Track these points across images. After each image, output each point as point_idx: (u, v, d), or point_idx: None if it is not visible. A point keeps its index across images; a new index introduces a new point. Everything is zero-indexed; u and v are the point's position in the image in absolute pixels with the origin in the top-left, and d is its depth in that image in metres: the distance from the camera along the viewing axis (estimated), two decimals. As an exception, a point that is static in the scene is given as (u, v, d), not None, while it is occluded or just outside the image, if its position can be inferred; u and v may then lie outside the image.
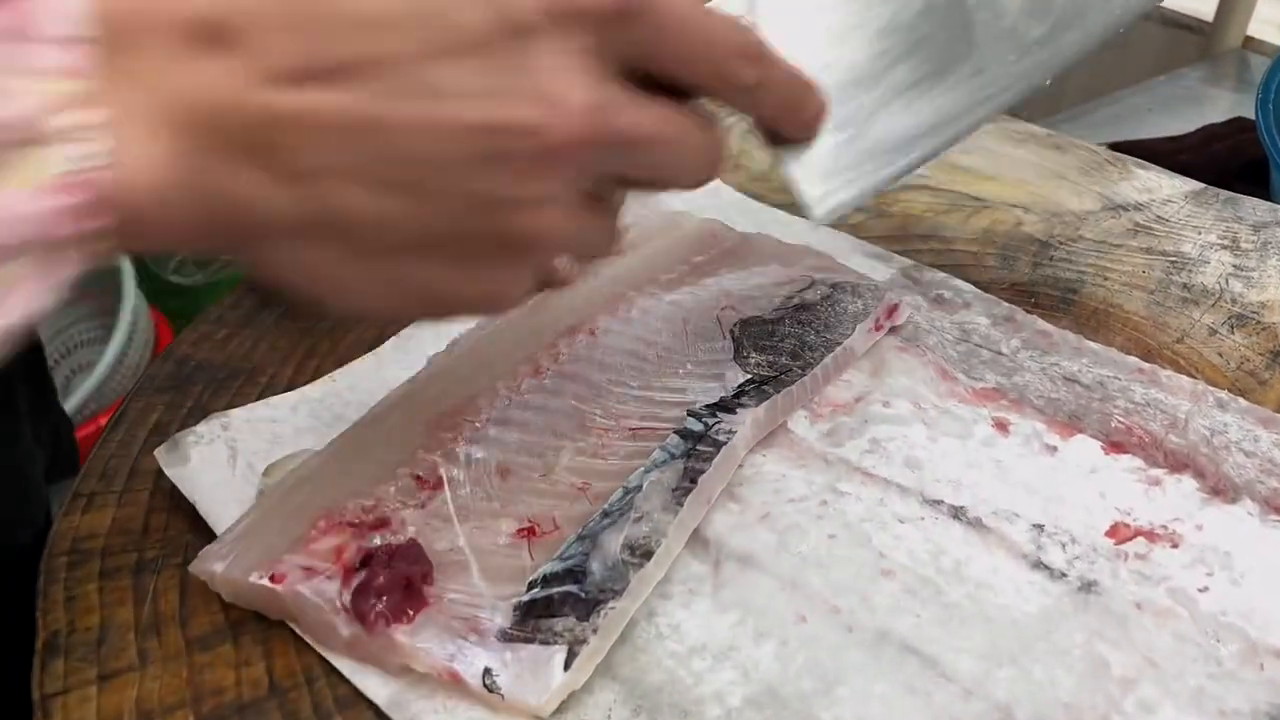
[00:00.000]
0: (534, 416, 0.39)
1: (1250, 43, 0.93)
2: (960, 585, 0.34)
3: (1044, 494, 0.37)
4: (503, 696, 0.31)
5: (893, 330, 0.43)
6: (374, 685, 0.32)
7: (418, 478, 0.36)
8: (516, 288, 0.29)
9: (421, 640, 0.31)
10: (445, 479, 0.36)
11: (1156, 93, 0.89)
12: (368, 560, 0.33)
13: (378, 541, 0.34)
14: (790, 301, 0.43)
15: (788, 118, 0.33)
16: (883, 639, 0.33)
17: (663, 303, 0.44)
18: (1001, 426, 0.40)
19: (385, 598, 0.32)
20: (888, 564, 0.35)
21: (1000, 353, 0.43)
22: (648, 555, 0.33)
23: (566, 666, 0.31)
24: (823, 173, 0.34)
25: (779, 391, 0.39)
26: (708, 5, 0.33)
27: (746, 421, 0.38)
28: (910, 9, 0.35)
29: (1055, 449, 0.39)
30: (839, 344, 0.41)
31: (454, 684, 0.31)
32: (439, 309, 0.30)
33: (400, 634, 0.31)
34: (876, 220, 0.51)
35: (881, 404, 0.41)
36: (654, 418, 0.39)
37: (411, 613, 0.32)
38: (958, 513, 0.37)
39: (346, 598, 0.32)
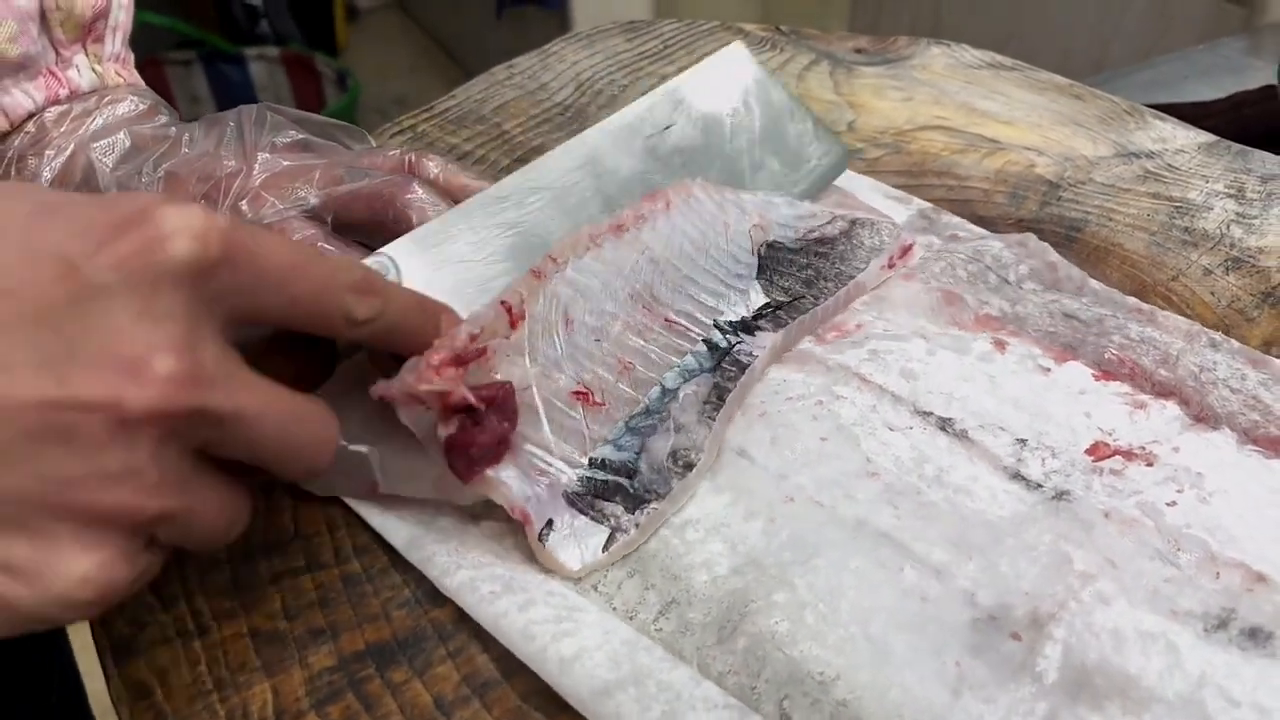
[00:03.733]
0: (602, 273, 0.39)
1: (1293, 16, 0.93)
2: (939, 489, 0.37)
3: (1031, 410, 0.39)
4: (545, 548, 0.34)
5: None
6: (392, 528, 0.35)
7: (508, 308, 0.35)
8: (115, 570, 0.26)
9: (506, 476, 0.34)
10: (526, 314, 0.36)
11: (1195, 61, 0.89)
12: (468, 409, 0.33)
13: (477, 379, 0.34)
14: (812, 234, 0.45)
15: (417, 346, 0.32)
16: (861, 526, 0.35)
17: (715, 201, 0.44)
18: (999, 345, 0.42)
19: (480, 449, 0.33)
20: (873, 467, 0.37)
21: (1006, 280, 0.44)
22: (689, 466, 0.36)
23: (605, 548, 0.34)
24: None
25: (793, 319, 0.41)
26: (319, 245, 0.34)
27: (766, 345, 0.40)
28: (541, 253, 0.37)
29: (1048, 370, 0.41)
30: (851, 277, 0.43)
31: (520, 521, 0.34)
32: (19, 612, 0.25)
33: (489, 471, 0.33)
34: (894, 156, 0.53)
35: (883, 329, 0.43)
36: (687, 316, 0.41)
37: (503, 448, 0.34)
38: (945, 424, 0.39)
39: (443, 434, 0.32)
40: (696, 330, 0.41)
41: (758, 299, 0.42)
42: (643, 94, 0.57)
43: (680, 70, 0.58)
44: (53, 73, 0.43)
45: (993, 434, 0.38)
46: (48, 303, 0.24)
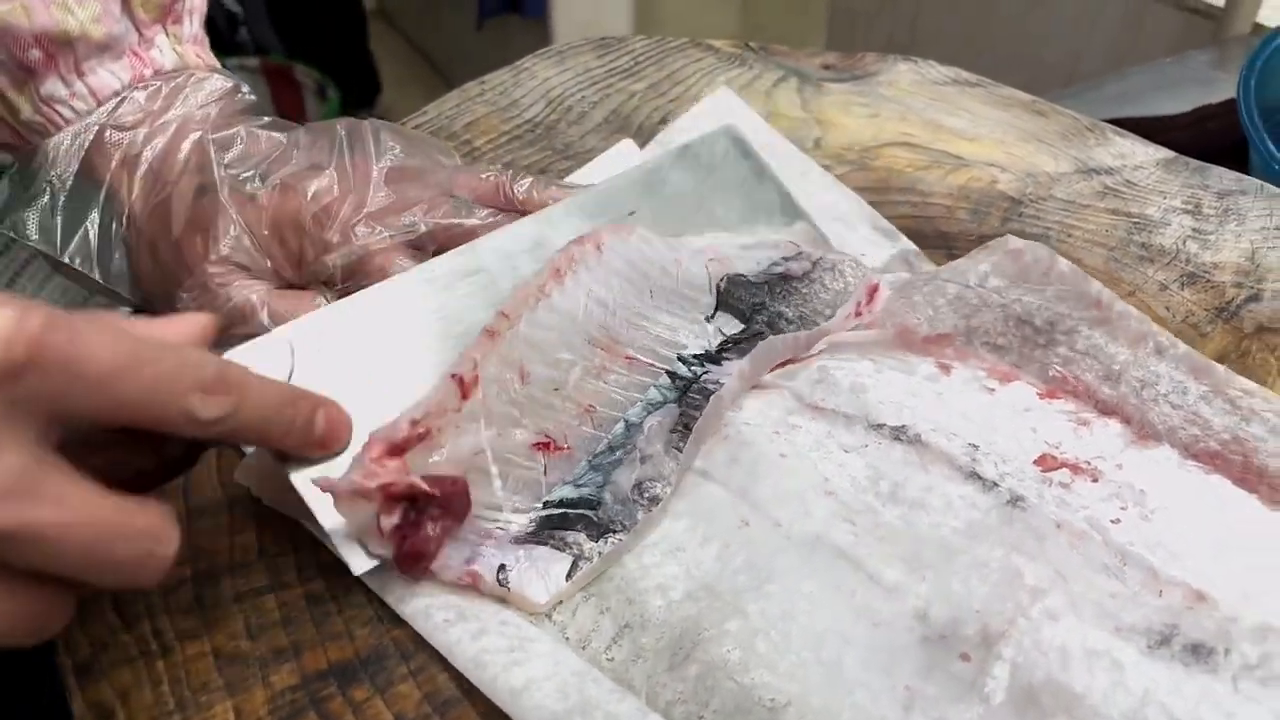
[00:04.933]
0: (556, 324, 0.38)
1: (1259, 29, 0.94)
2: (895, 506, 0.37)
3: (979, 423, 0.40)
4: (509, 590, 0.34)
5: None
6: (351, 552, 0.35)
7: (459, 380, 0.35)
8: None
9: (444, 560, 0.34)
10: (480, 379, 0.35)
11: (1163, 74, 0.90)
12: (413, 501, 0.33)
13: (426, 459, 0.33)
14: (776, 268, 0.44)
15: (287, 443, 0.32)
16: (817, 544, 0.36)
17: (664, 242, 0.43)
18: (944, 369, 0.42)
19: (424, 547, 0.33)
20: (830, 486, 0.38)
21: (967, 284, 0.44)
22: (654, 500, 0.36)
23: (569, 576, 0.34)
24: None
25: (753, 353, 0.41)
26: (176, 321, 0.31)
27: (733, 373, 0.40)
28: (460, 342, 0.36)
29: (993, 390, 0.41)
30: (815, 322, 0.43)
31: (471, 584, 0.34)
32: None
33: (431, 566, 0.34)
34: (859, 173, 0.53)
35: (829, 355, 0.43)
36: (649, 351, 0.40)
37: (441, 546, 0.33)
38: (899, 433, 0.39)
39: (387, 525, 0.33)
40: (659, 364, 0.40)
41: (718, 334, 0.42)
42: (612, 111, 0.57)
43: (649, 86, 0.59)
44: (136, 53, 0.44)
45: (945, 438, 0.39)
46: None
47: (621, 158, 0.53)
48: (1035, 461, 0.38)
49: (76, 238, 0.42)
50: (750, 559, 0.35)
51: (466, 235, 0.40)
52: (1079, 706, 0.30)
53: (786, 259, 0.44)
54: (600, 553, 0.35)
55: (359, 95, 2.01)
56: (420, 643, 0.33)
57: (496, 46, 2.12)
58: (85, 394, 0.26)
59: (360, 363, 0.36)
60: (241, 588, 0.35)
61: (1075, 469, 0.38)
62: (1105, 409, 0.41)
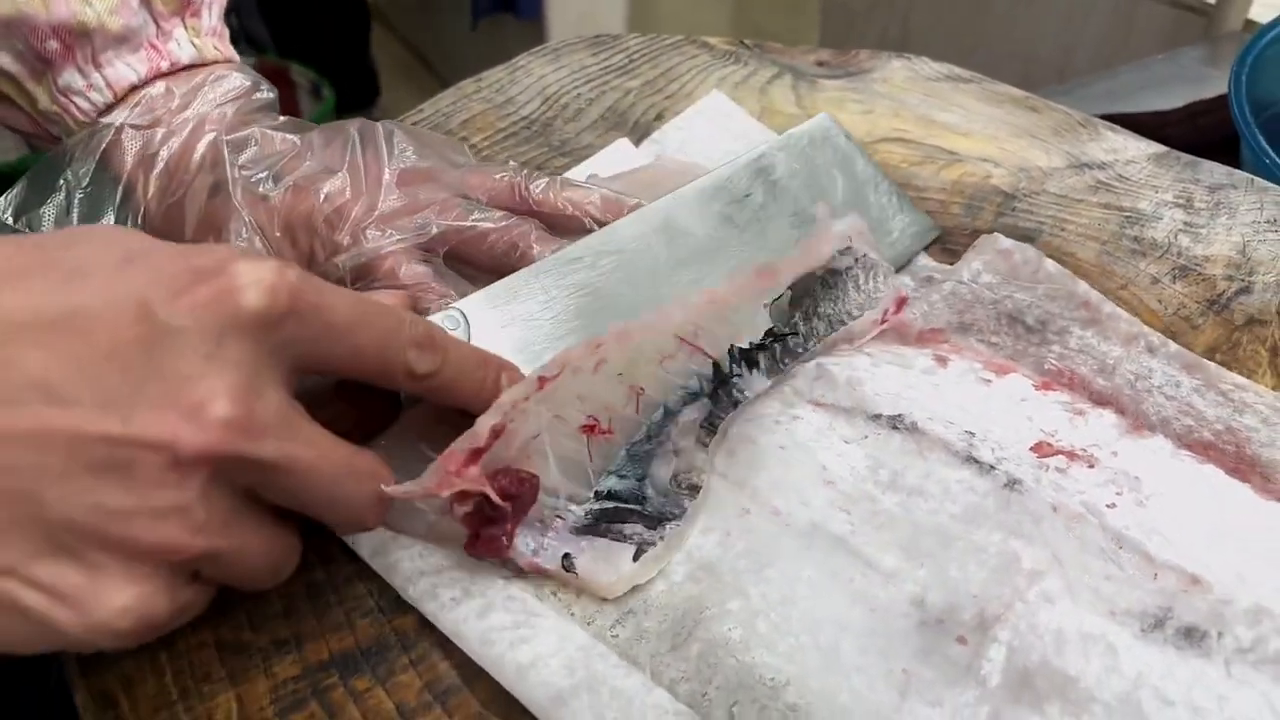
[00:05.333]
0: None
1: (1250, 26, 0.94)
2: (894, 494, 0.37)
3: (976, 413, 0.40)
4: (578, 575, 0.34)
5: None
6: (361, 537, 0.35)
7: (542, 380, 0.34)
8: (156, 603, 0.27)
9: (517, 545, 0.34)
10: (561, 377, 0.35)
11: (1155, 71, 0.91)
12: (487, 500, 0.33)
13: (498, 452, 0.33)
14: (829, 262, 0.43)
15: (477, 401, 0.33)
16: (815, 532, 0.36)
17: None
18: (941, 360, 0.43)
19: (497, 541, 0.34)
20: (829, 475, 0.38)
21: (961, 281, 0.45)
22: (694, 488, 0.37)
23: (635, 558, 0.35)
24: None
25: (783, 363, 0.42)
26: (379, 295, 0.35)
27: (756, 389, 0.41)
28: (610, 315, 0.39)
29: (989, 381, 0.42)
30: (842, 322, 0.43)
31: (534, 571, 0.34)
32: (62, 635, 0.26)
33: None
34: (853, 168, 0.54)
35: (824, 352, 0.43)
36: (709, 335, 0.39)
37: (513, 539, 0.34)
38: (896, 422, 0.40)
39: (460, 512, 0.33)
40: (711, 353, 0.40)
41: (764, 323, 0.41)
42: (607, 108, 0.58)
43: (644, 83, 0.59)
44: (154, 45, 0.44)
45: (943, 425, 0.39)
46: (121, 343, 0.25)
47: (617, 155, 0.54)
48: (1032, 449, 0.39)
49: None
50: (751, 546, 0.36)
51: (478, 238, 0.41)
52: (1073, 689, 0.31)
53: (841, 252, 0.44)
54: (661, 538, 0.35)
55: (357, 98, 2.01)
56: (421, 632, 0.34)
57: (492, 46, 2.12)
58: (330, 342, 0.29)
59: (518, 335, 0.38)
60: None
61: (1071, 455, 0.39)
62: (1100, 400, 0.41)
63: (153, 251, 0.27)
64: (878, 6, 1.27)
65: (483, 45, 2.13)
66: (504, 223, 0.41)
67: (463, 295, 0.39)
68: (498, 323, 0.38)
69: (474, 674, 0.32)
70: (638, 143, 0.55)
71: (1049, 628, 0.32)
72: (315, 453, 0.28)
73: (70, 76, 0.42)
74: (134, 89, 0.43)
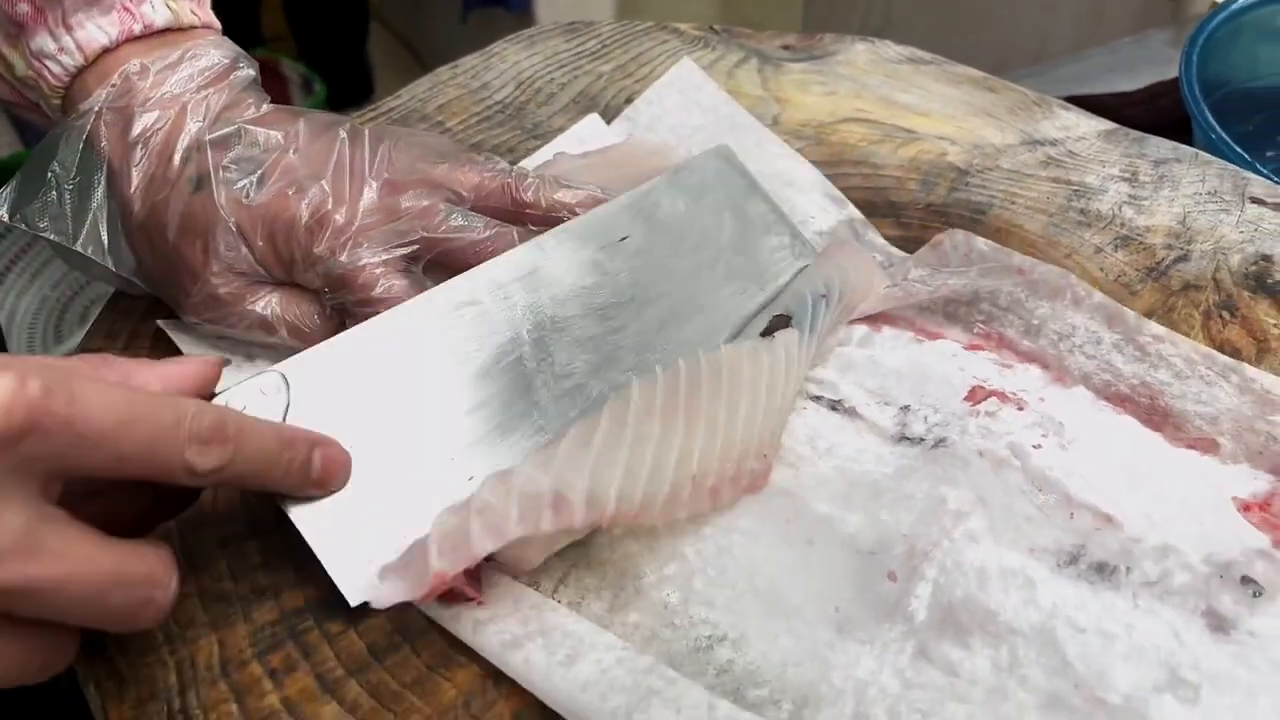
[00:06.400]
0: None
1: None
2: (830, 459, 0.39)
3: (911, 376, 0.42)
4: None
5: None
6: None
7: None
8: None
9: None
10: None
11: (1122, 53, 0.93)
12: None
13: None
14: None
15: (284, 485, 0.33)
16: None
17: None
18: (875, 326, 0.44)
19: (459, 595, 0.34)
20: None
21: (892, 284, 0.46)
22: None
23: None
24: (346, 536, 0.34)
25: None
26: (171, 368, 0.32)
27: None
28: (468, 379, 0.37)
29: (921, 343, 0.44)
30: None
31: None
32: None
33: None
34: (815, 147, 0.56)
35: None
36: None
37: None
38: (835, 405, 0.42)
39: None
40: None
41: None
42: (579, 92, 0.60)
43: (616, 68, 0.61)
44: (126, 8, 0.42)
45: (879, 408, 0.41)
46: None
47: (588, 131, 0.56)
48: (966, 397, 0.41)
49: (86, 227, 0.42)
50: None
51: (460, 248, 0.41)
52: (993, 623, 0.33)
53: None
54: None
55: (351, 93, 2.03)
56: (392, 581, 0.36)
57: (482, 39, 2.14)
58: (85, 452, 0.27)
59: (361, 395, 0.36)
60: (225, 534, 0.38)
61: (1003, 397, 0.41)
62: (1026, 358, 0.43)
63: None
64: (857, -5, 1.29)
65: (473, 38, 2.14)
66: (486, 232, 0.41)
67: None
68: (327, 386, 0.35)
69: (438, 620, 0.34)
70: (609, 122, 0.57)
71: (973, 564, 0.35)
72: (67, 568, 0.27)
73: (42, 40, 0.42)
74: (106, 51, 0.42)
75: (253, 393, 0.34)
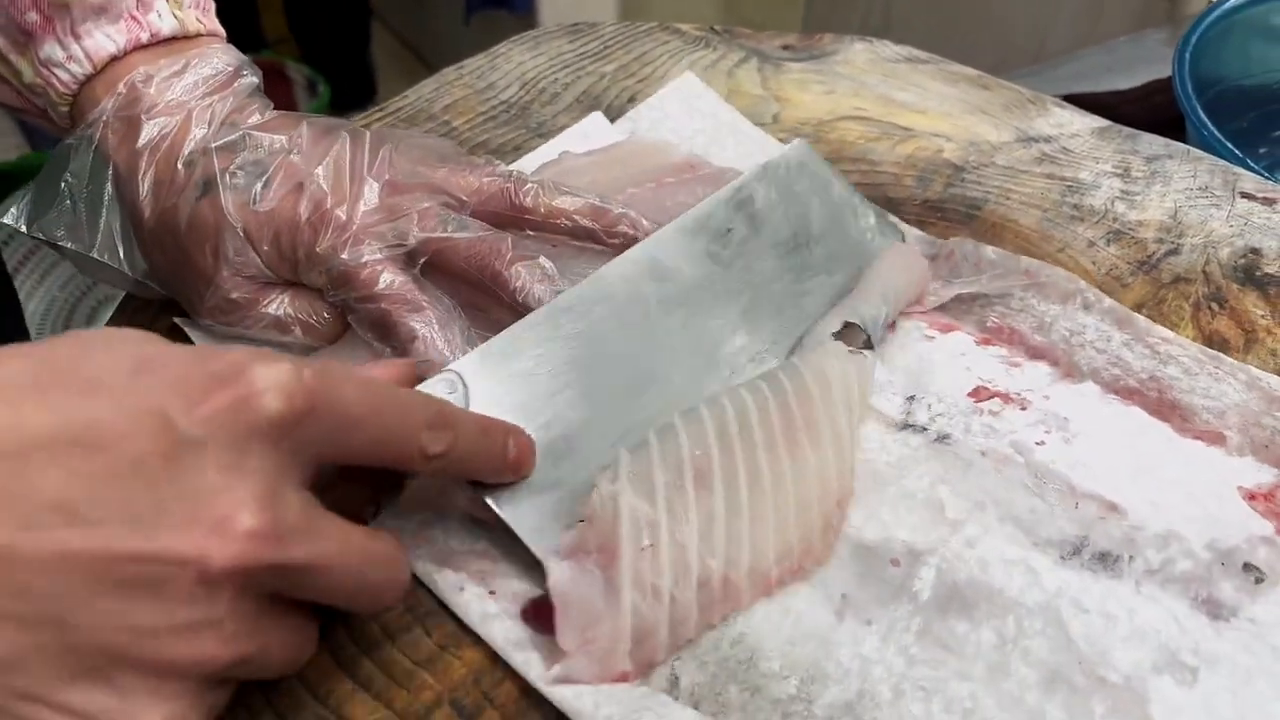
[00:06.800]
0: None
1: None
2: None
3: (918, 371, 0.43)
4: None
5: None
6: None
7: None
8: (187, 717, 0.27)
9: None
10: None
11: (1120, 52, 0.94)
12: None
13: None
14: None
15: (487, 471, 0.34)
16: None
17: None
18: (890, 325, 0.46)
19: None
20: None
21: None
22: None
23: None
24: (537, 518, 0.36)
25: None
26: (382, 368, 0.35)
27: None
28: (614, 366, 0.39)
29: (932, 339, 0.45)
30: None
31: None
32: None
33: None
34: (815, 145, 0.57)
35: None
36: None
37: None
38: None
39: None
40: None
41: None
42: (583, 91, 0.61)
43: (618, 68, 0.63)
44: (133, 16, 0.43)
45: (885, 398, 0.42)
46: (142, 458, 0.25)
47: (592, 128, 0.57)
48: (969, 394, 0.42)
49: (100, 234, 0.43)
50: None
51: (454, 250, 0.41)
52: (999, 597, 0.34)
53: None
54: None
55: (355, 95, 2.04)
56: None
57: (485, 41, 2.15)
58: (347, 436, 0.29)
59: (518, 393, 0.38)
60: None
61: (1006, 398, 0.42)
62: (1036, 354, 0.44)
63: (167, 357, 0.27)
64: (857, -5, 1.30)
65: (476, 39, 2.15)
66: (480, 235, 0.41)
67: (456, 352, 0.39)
68: (496, 382, 0.38)
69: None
70: (612, 122, 0.58)
71: (975, 556, 0.36)
72: (337, 547, 0.28)
73: (51, 48, 0.42)
74: (114, 60, 0.43)
75: (440, 390, 0.36)
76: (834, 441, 0.38)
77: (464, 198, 0.43)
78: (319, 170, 0.42)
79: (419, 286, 0.40)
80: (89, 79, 0.43)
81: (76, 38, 0.42)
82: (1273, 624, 0.34)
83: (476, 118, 0.59)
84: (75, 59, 0.43)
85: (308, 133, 0.43)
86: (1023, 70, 0.96)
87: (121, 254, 0.43)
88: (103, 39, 0.43)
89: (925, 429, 0.41)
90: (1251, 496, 0.38)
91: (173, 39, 0.44)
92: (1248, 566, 0.36)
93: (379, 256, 0.40)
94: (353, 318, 0.41)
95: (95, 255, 0.43)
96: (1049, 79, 0.90)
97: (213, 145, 0.42)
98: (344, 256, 0.40)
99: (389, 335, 0.40)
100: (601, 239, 0.43)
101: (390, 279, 0.40)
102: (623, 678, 0.33)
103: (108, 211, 0.43)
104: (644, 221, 0.44)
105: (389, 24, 2.47)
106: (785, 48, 0.65)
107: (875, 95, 0.61)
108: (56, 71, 0.43)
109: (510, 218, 0.43)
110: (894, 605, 0.35)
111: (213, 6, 0.47)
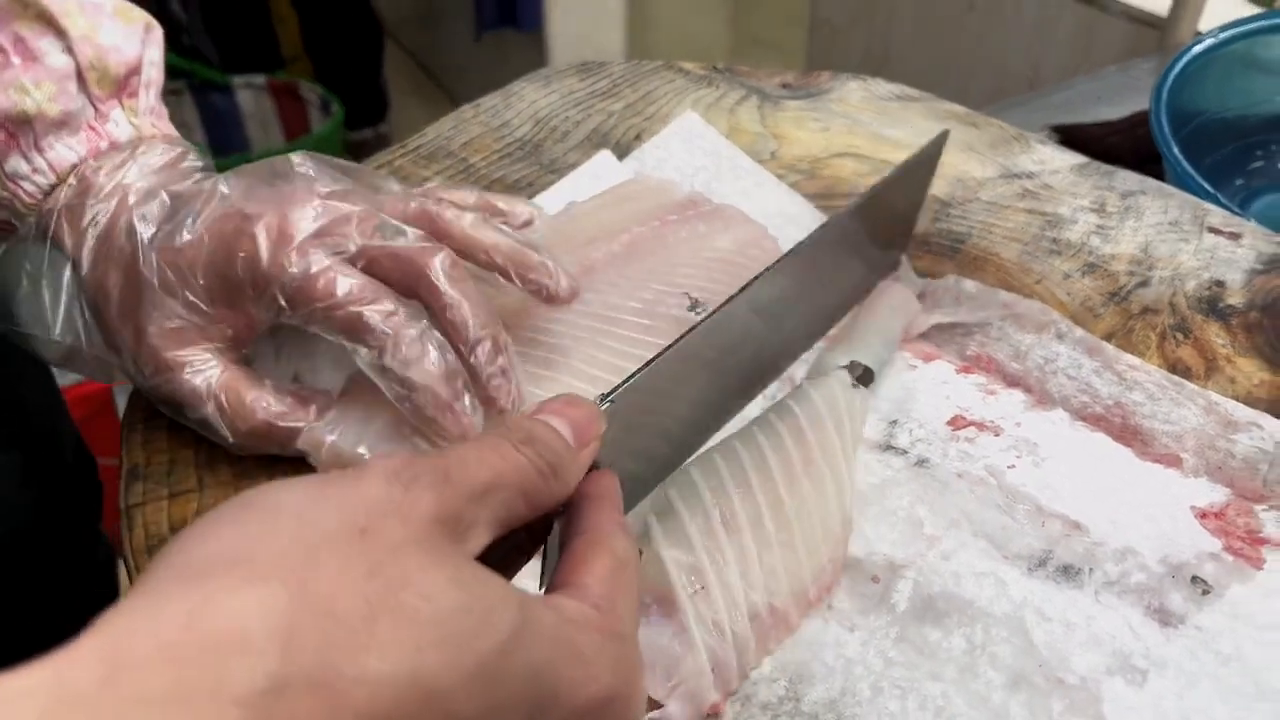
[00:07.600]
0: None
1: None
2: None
3: (903, 398, 0.47)
4: None
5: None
6: None
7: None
8: None
9: None
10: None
11: (1108, 81, 0.97)
12: None
13: None
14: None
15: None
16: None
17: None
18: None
19: None
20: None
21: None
22: None
23: None
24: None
25: None
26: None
27: None
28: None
29: (915, 367, 0.49)
30: None
31: None
32: None
33: None
34: (809, 180, 0.61)
35: None
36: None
37: None
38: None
39: None
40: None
41: None
42: (592, 129, 0.65)
43: (626, 106, 0.66)
44: (92, 127, 0.45)
45: (870, 422, 0.46)
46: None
47: (601, 168, 0.61)
48: (948, 423, 0.45)
49: (61, 319, 0.44)
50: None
51: (391, 256, 0.41)
52: (969, 608, 0.38)
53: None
54: None
55: (367, 114, 2.09)
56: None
57: (495, 60, 2.20)
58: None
59: (657, 415, 0.37)
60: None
61: (981, 426, 0.45)
62: (1011, 381, 0.48)
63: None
64: (859, 23, 1.34)
65: (485, 58, 2.20)
66: (417, 244, 0.41)
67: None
68: (643, 411, 0.36)
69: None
70: (620, 159, 0.62)
71: (949, 569, 0.39)
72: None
73: (16, 163, 0.44)
74: (74, 168, 0.45)
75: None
76: (846, 463, 0.42)
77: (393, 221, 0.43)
78: (251, 196, 0.42)
79: (377, 288, 0.41)
80: (53, 188, 0.45)
81: (40, 151, 0.44)
82: (1217, 632, 0.38)
83: (492, 155, 0.63)
84: (40, 170, 0.45)
85: (234, 174, 0.44)
86: (1018, 97, 1.00)
87: (84, 336, 0.44)
88: (64, 150, 0.44)
89: (906, 452, 0.44)
90: (1203, 515, 0.42)
91: (127, 144, 0.46)
92: (1195, 579, 0.39)
93: (327, 263, 0.40)
94: (318, 328, 0.41)
95: (57, 338, 0.44)
96: (1041, 106, 0.94)
97: (136, 213, 0.43)
98: (293, 271, 0.40)
99: (361, 335, 0.40)
100: (512, 279, 0.44)
101: (348, 284, 0.40)
102: (714, 710, 0.36)
103: (67, 297, 0.44)
104: (563, 277, 0.44)
105: (401, 42, 2.52)
106: (784, 85, 0.69)
107: (868, 133, 0.64)
108: (22, 184, 0.45)
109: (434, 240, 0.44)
110: (874, 615, 0.38)
111: (165, 113, 0.49)
